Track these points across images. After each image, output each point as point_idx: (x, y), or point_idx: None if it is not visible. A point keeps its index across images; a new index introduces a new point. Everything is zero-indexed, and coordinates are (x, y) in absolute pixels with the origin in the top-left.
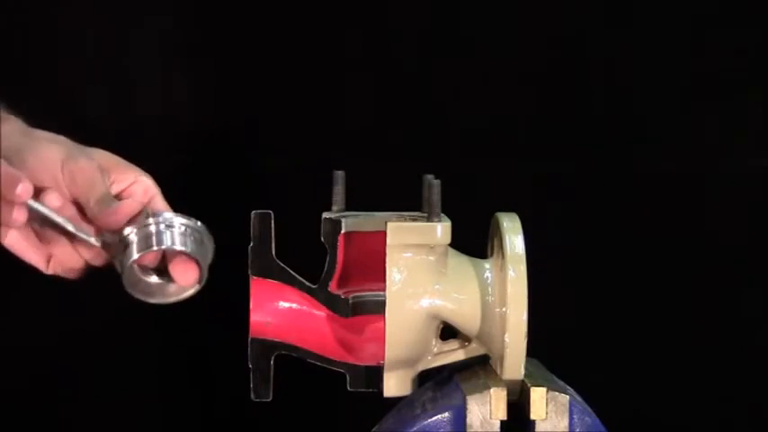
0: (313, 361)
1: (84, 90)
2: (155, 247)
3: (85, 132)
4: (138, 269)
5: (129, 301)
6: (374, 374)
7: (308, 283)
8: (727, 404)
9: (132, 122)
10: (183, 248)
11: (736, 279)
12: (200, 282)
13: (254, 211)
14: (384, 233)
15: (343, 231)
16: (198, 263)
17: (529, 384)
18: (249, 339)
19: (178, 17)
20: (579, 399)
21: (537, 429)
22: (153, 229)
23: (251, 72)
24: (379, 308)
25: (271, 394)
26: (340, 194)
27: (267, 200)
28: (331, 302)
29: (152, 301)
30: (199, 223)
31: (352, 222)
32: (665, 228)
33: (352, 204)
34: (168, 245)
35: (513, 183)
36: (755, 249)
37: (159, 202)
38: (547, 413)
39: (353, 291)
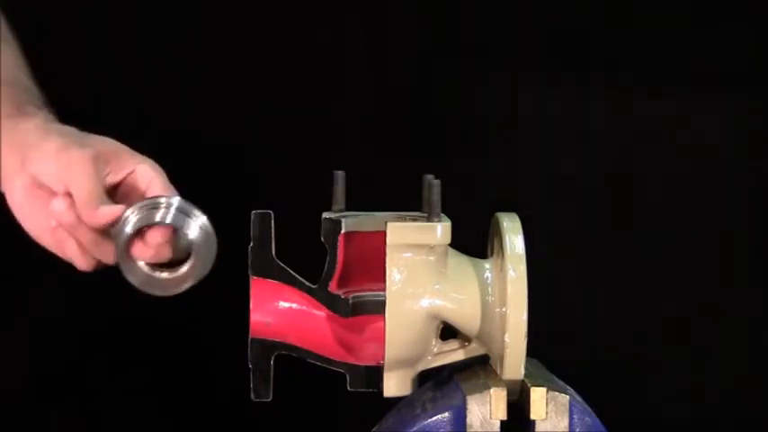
0: (313, 361)
1: (84, 89)
2: (129, 230)
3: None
4: (133, 259)
5: (129, 301)
6: (374, 374)
7: (308, 283)
8: (728, 404)
9: (132, 122)
10: (171, 222)
11: (737, 279)
12: (194, 272)
13: (254, 211)
14: (384, 233)
15: (343, 231)
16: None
17: (529, 384)
18: (249, 339)
19: (178, 16)
20: (579, 399)
21: (537, 429)
22: (139, 210)
23: (251, 72)
24: (379, 308)
25: (271, 394)
26: (340, 194)
27: (267, 200)
28: (331, 302)
29: (156, 292)
30: (204, 217)
31: (352, 222)
32: (665, 228)
33: (352, 204)
34: (153, 221)
35: (513, 183)
36: (756, 249)
37: (157, 187)
38: (547, 413)
39: (353, 291)
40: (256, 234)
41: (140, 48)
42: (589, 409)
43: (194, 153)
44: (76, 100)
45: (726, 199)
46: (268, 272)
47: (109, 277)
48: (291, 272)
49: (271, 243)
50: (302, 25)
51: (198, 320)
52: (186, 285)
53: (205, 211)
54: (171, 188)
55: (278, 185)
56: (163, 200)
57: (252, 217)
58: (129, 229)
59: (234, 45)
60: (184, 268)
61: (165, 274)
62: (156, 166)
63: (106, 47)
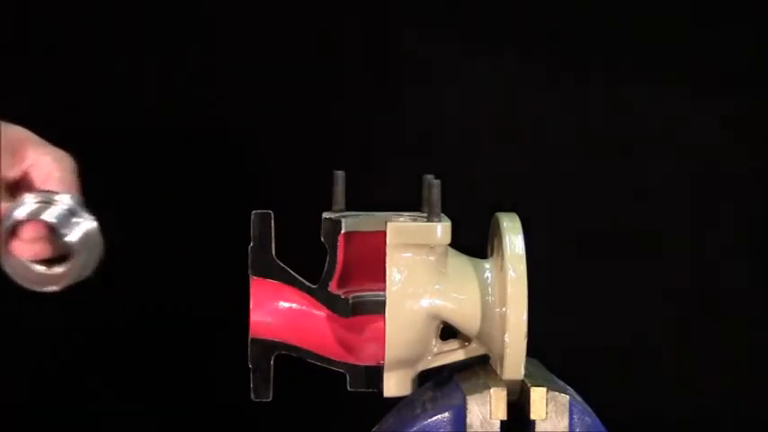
0: (313, 361)
1: (84, 90)
2: (11, 220)
3: (85, 132)
4: (11, 253)
5: (129, 301)
6: (374, 374)
7: (308, 283)
8: (728, 404)
9: (132, 122)
10: (47, 220)
11: (737, 279)
12: (66, 274)
13: (254, 211)
14: (384, 233)
15: (343, 231)
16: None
17: (529, 384)
18: (249, 339)
19: (179, 17)
20: (579, 399)
21: (537, 429)
22: (22, 205)
23: (251, 72)
24: (379, 308)
25: (271, 394)
26: (340, 194)
27: (267, 200)
28: (331, 302)
29: (32, 287)
30: (91, 218)
31: (352, 222)
32: (665, 228)
33: (352, 204)
34: (31, 217)
35: (513, 183)
36: (756, 249)
37: (53, 182)
38: (547, 413)
39: (353, 291)
40: (256, 234)
41: (141, 48)
42: (589, 409)
43: (194, 153)
44: (77, 99)
45: (726, 199)
46: (268, 272)
47: (108, 277)
48: (291, 272)
49: (271, 243)
50: (302, 25)
51: (198, 320)
52: (63, 284)
53: (205, 210)
54: (70, 183)
55: (278, 185)
56: (54, 196)
57: (252, 217)
58: (7, 222)
59: (234, 45)
60: (61, 268)
61: (41, 269)
62: (64, 158)
63: (107, 46)
